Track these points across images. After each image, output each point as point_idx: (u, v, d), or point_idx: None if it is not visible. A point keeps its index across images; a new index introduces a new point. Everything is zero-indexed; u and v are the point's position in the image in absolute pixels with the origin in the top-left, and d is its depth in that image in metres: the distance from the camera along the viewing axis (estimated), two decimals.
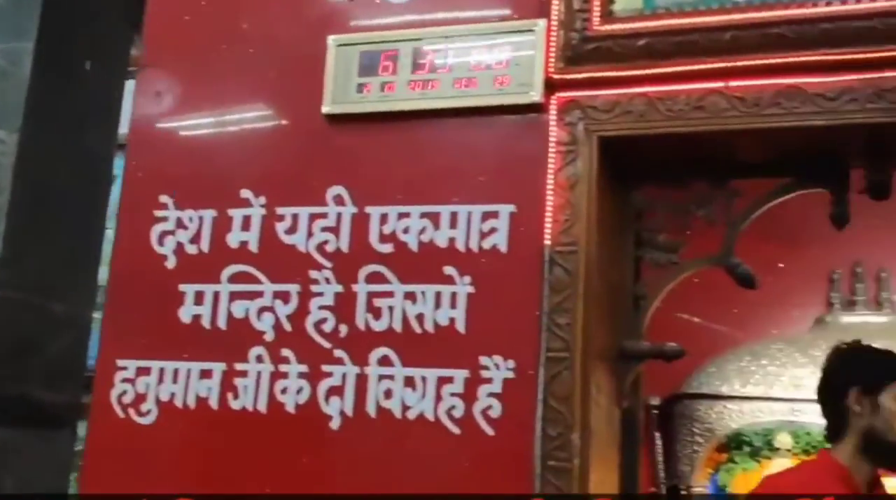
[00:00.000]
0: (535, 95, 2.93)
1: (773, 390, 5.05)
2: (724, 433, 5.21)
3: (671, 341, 5.51)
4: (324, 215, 3.05)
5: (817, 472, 2.39)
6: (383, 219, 3.01)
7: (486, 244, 2.94)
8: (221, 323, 3.12)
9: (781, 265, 5.72)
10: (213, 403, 3.08)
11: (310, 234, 3.06)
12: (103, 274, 4.05)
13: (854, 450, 2.36)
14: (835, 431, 2.42)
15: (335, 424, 2.95)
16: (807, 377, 5.04)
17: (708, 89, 2.82)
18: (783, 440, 5.26)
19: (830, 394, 2.45)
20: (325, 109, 3.08)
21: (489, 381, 2.84)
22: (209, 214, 3.17)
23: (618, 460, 3.04)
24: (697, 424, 5.15)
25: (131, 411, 3.12)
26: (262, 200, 3.12)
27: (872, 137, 2.76)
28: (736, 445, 5.37)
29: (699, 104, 2.82)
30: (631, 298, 3.10)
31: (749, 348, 5.29)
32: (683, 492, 5.18)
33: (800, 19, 2.72)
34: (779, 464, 5.28)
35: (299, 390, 3.00)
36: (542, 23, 2.94)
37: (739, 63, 2.78)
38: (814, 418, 5.04)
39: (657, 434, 5.52)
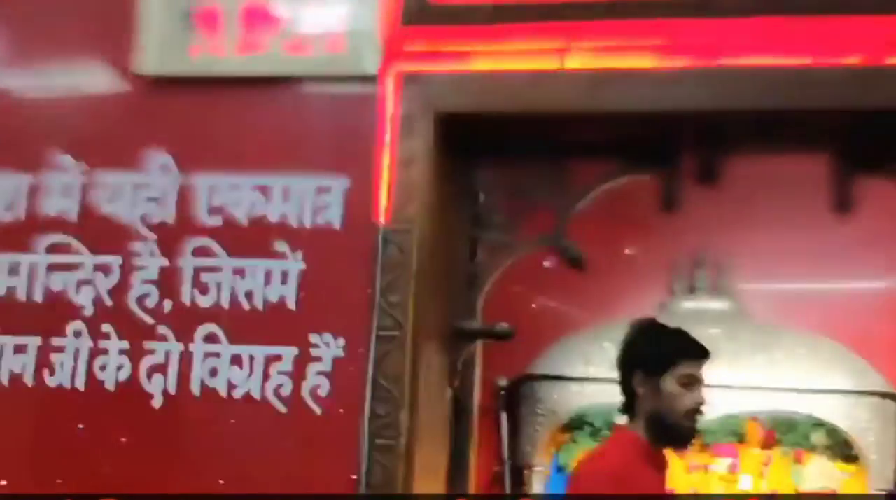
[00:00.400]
0: (372, 66, 2.86)
1: (615, 372, 5.15)
2: (566, 414, 5.29)
3: (521, 323, 5.61)
4: (146, 185, 2.90)
5: (624, 448, 2.42)
6: (211, 190, 2.89)
7: (320, 220, 2.87)
8: (37, 296, 2.94)
9: (628, 251, 5.87)
10: (28, 379, 2.90)
11: (133, 203, 2.91)
12: None
13: (644, 429, 2.41)
14: (629, 408, 2.46)
15: (157, 402, 2.83)
16: None
17: (546, 69, 2.81)
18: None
19: (621, 373, 2.49)
20: (145, 69, 2.91)
21: (319, 359, 2.78)
22: (25, 180, 2.97)
23: (448, 439, 3.02)
24: (541, 405, 5.20)
25: None
26: (82, 165, 2.95)
27: (701, 122, 2.82)
28: (577, 425, 5.47)
29: (536, 84, 2.81)
30: (466, 277, 3.09)
31: (593, 331, 5.39)
32: (526, 472, 5.23)
33: (634, 4, 2.74)
34: None
35: (120, 368, 2.87)
36: None
37: (577, 44, 2.78)
38: None
39: (504, 415, 5.58)
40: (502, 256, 3.11)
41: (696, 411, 2.39)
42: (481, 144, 3.08)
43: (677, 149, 2.96)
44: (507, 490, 5.49)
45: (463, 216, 3.12)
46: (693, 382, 2.37)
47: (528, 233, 3.19)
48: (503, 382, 5.64)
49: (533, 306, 5.87)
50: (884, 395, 5.14)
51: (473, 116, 2.88)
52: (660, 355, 2.41)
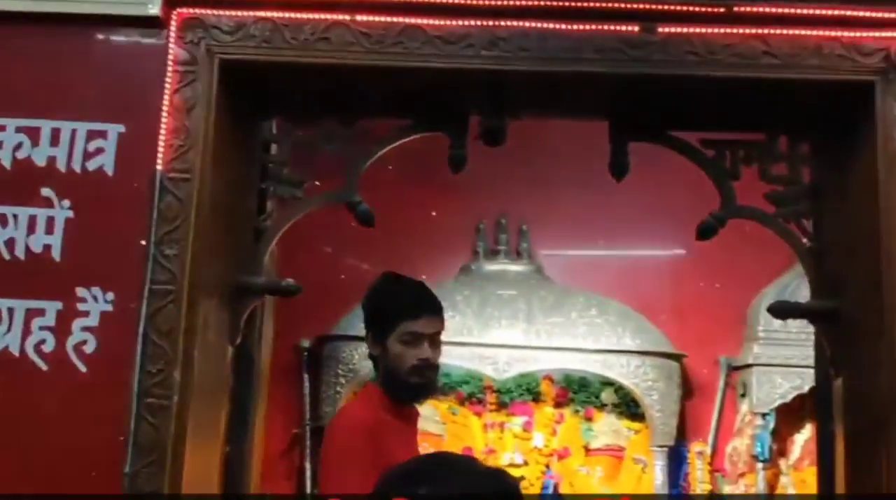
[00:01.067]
0: (154, 8, 2.71)
1: None
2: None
3: (327, 283, 5.55)
4: None
5: (372, 402, 2.46)
6: None
7: (91, 166, 2.70)
8: None
9: (434, 213, 5.92)
10: None
11: None
12: None
13: (383, 386, 2.46)
14: (374, 366, 2.52)
15: None
16: (446, 321, 5.25)
17: (334, 21, 2.75)
18: None
19: (365, 328, 2.53)
20: None
21: (85, 314, 2.63)
22: None
23: (228, 398, 2.94)
24: (342, 365, 5.21)
25: None
26: None
27: (488, 83, 2.84)
28: None
29: (324, 35, 2.74)
30: (252, 231, 3.00)
31: None
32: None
33: None
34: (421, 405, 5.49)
35: None
36: None
37: None
38: (452, 359, 5.30)
39: (306, 376, 5.53)
40: (291, 210, 3.03)
41: (421, 367, 2.41)
42: (271, 95, 2.98)
43: (466, 108, 2.96)
44: (308, 452, 5.49)
45: (250, 168, 3.02)
46: (416, 339, 2.42)
47: (319, 188, 3.12)
48: (306, 343, 5.61)
49: (336, 265, 5.86)
50: (668, 355, 5.46)
51: (259, 65, 2.78)
52: (382, 316, 2.46)
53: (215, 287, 2.80)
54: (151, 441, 2.53)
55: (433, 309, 2.51)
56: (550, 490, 5.41)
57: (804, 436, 5.49)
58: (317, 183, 3.26)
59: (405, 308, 2.46)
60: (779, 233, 2.99)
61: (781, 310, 3.04)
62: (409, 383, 2.43)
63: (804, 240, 2.99)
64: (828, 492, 2.95)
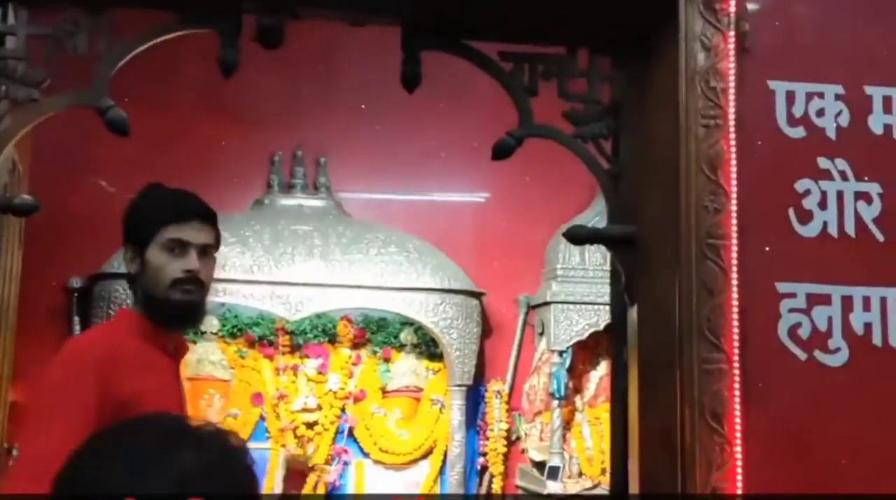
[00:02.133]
0: None
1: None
2: None
3: (102, 218, 5.01)
4: None
5: (119, 326, 2.10)
6: None
7: None
8: None
9: (224, 143, 5.48)
10: None
11: None
12: None
13: (144, 309, 2.10)
14: (131, 286, 2.12)
15: None
16: (234, 257, 4.88)
17: None
18: (210, 322, 5.08)
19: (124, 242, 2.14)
20: None
21: None
22: None
23: None
24: (114, 305, 4.72)
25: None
26: None
27: None
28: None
29: None
30: None
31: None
32: None
33: None
34: (205, 348, 5.10)
35: None
36: None
37: None
38: (240, 299, 4.92)
39: (76, 319, 5.00)
40: (27, 114, 2.56)
41: (185, 281, 2.03)
42: None
43: (239, 3, 2.59)
44: None
45: None
46: (181, 246, 2.04)
47: (62, 88, 2.66)
48: (76, 282, 5.07)
49: (113, 199, 5.32)
50: (468, 293, 5.31)
51: None
52: (141, 222, 2.06)
53: None
54: None
55: (203, 215, 2.10)
56: (345, 434, 5.18)
57: (599, 373, 5.52)
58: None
59: (169, 212, 2.05)
60: (577, 154, 2.81)
61: (577, 236, 2.88)
62: (171, 301, 2.01)
63: (603, 162, 2.84)
64: (620, 425, 2.84)
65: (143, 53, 5.52)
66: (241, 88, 5.60)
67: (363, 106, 5.60)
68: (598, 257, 5.32)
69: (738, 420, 2.49)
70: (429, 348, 5.36)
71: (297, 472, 4.07)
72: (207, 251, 2.07)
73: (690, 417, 2.50)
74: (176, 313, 2.05)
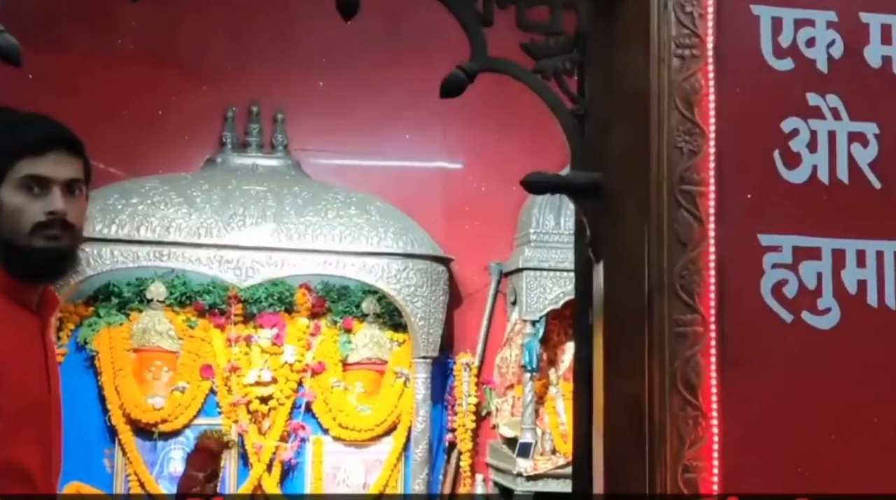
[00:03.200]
0: None
1: (141, 232, 4.45)
2: (88, 284, 4.55)
3: None
4: None
5: None
6: None
7: None
8: None
9: (174, 98, 5.12)
10: None
11: None
12: None
13: (2, 260, 1.76)
14: None
15: None
16: (179, 218, 4.54)
17: None
18: (157, 290, 4.75)
19: None
20: None
21: None
22: None
23: None
24: None
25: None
26: None
27: None
28: (104, 297, 4.74)
29: None
30: None
31: (120, 186, 4.62)
32: None
33: None
34: (151, 318, 4.77)
35: None
36: None
37: None
38: (186, 264, 4.59)
39: None
40: None
41: (49, 224, 1.69)
42: None
43: None
44: None
45: None
46: (41, 186, 1.68)
47: None
48: None
49: None
50: (434, 258, 4.99)
51: None
52: None
53: None
54: None
55: (67, 144, 1.74)
56: (302, 409, 4.87)
57: None
58: None
59: (23, 143, 1.70)
60: (536, 91, 2.48)
61: (536, 184, 2.55)
62: (34, 249, 1.69)
63: (566, 101, 2.52)
64: (584, 397, 2.54)
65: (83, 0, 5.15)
66: (192, 39, 5.27)
67: (323, 59, 5.25)
68: (574, 222, 5.00)
69: (714, 391, 2.20)
70: (392, 317, 5.05)
71: (204, 450, 3.75)
72: (75, 188, 1.73)
73: (660, 386, 2.21)
74: (39, 262, 1.71)
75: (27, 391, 1.69)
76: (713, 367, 2.21)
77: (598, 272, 2.47)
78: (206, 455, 3.75)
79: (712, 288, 2.23)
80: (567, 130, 2.52)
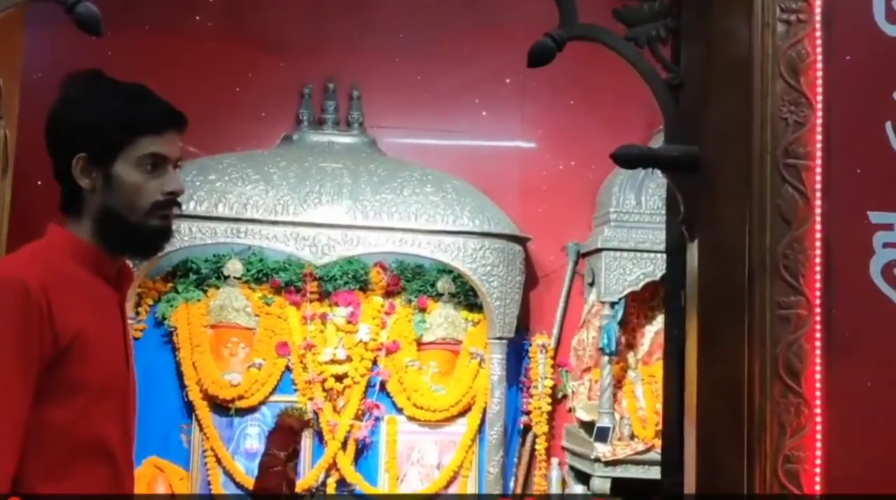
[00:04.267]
0: None
1: (219, 209, 4.45)
2: (166, 256, 4.55)
3: None
4: None
5: (54, 252, 1.71)
6: None
7: None
8: None
9: (251, 75, 5.10)
10: None
11: None
12: None
13: (93, 232, 1.71)
14: (72, 203, 1.72)
15: None
16: (257, 196, 4.53)
17: None
18: (234, 266, 4.75)
19: (56, 156, 1.70)
20: None
21: None
22: None
23: None
24: None
25: None
26: None
27: None
28: (182, 273, 4.76)
29: None
30: None
31: (198, 162, 4.62)
32: None
33: None
34: (229, 294, 4.78)
35: None
36: None
37: None
38: (262, 241, 4.58)
39: None
40: None
41: (167, 204, 1.66)
42: None
43: None
44: None
45: None
46: (160, 165, 1.65)
47: None
48: None
49: None
50: (510, 238, 4.89)
51: None
52: (107, 129, 1.66)
53: None
54: None
55: (181, 123, 1.72)
56: (377, 388, 4.84)
57: (655, 327, 5.08)
58: None
59: (148, 120, 1.66)
60: (629, 60, 2.36)
61: (627, 157, 2.43)
62: (149, 227, 1.66)
63: (660, 70, 2.39)
64: (674, 381, 2.42)
65: None
66: (270, 15, 5.23)
67: (400, 35, 5.17)
68: (656, 201, 4.86)
69: (818, 378, 2.07)
70: (468, 297, 4.97)
71: (286, 429, 3.71)
72: (178, 167, 1.71)
73: (760, 372, 2.09)
74: (151, 240, 1.69)
75: (109, 366, 1.66)
76: (818, 352, 2.09)
77: (693, 251, 2.35)
78: (288, 434, 3.73)
79: (818, 269, 2.10)
80: (661, 100, 2.40)
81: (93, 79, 1.71)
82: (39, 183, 3.48)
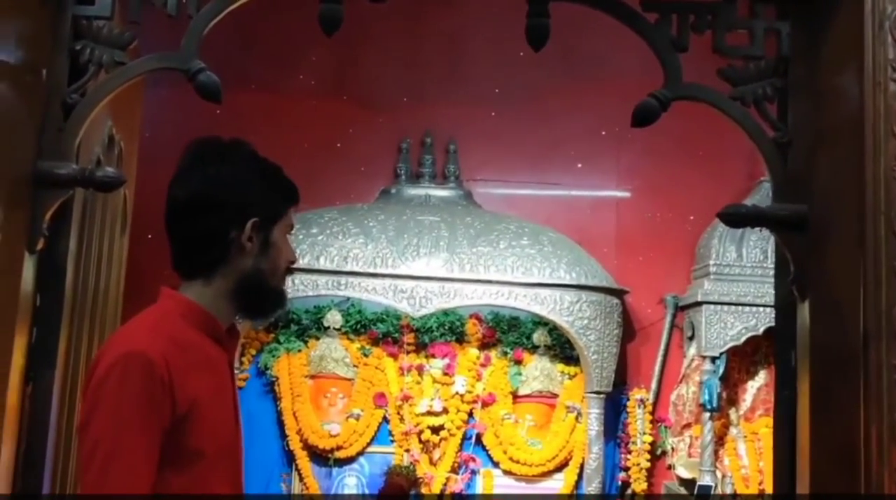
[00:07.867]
0: None
1: (321, 262, 4.55)
2: None
3: None
4: None
5: (172, 318, 1.74)
6: None
7: None
8: None
9: (351, 130, 5.24)
10: None
11: None
12: None
13: (223, 291, 1.75)
14: (209, 264, 1.75)
15: None
16: (356, 249, 4.61)
17: None
18: (333, 318, 4.84)
19: (222, 214, 1.71)
20: None
21: None
22: None
23: (26, 320, 2.27)
24: None
25: None
26: None
27: None
28: (284, 324, 4.87)
29: None
30: (60, 106, 2.30)
31: (301, 217, 4.74)
32: None
33: None
34: (328, 345, 4.86)
35: None
36: None
37: None
38: (362, 293, 4.65)
39: None
40: (112, 80, 2.33)
41: (289, 270, 1.81)
42: None
43: None
44: None
45: (59, 23, 2.32)
46: (289, 233, 1.82)
47: (148, 49, 2.43)
48: None
49: None
50: (608, 291, 4.86)
51: None
52: (271, 197, 1.77)
53: (2, 178, 2.11)
54: None
55: (298, 197, 1.86)
56: (473, 441, 4.83)
57: (757, 383, 4.97)
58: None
59: (293, 193, 1.81)
60: (736, 120, 2.37)
61: (735, 217, 2.42)
62: (279, 291, 1.80)
63: (767, 129, 2.38)
64: (786, 443, 2.37)
65: (266, 39, 5.35)
66: (369, 72, 5.38)
67: (496, 90, 5.25)
68: (757, 253, 4.78)
69: None
70: (564, 350, 4.94)
71: (395, 487, 3.70)
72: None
73: (878, 438, 2.02)
74: (279, 303, 1.83)
75: (222, 429, 1.72)
76: None
77: (804, 311, 2.31)
78: (398, 492, 3.74)
79: None
80: (769, 159, 2.39)
81: (247, 150, 1.80)
82: (150, 236, 3.68)
